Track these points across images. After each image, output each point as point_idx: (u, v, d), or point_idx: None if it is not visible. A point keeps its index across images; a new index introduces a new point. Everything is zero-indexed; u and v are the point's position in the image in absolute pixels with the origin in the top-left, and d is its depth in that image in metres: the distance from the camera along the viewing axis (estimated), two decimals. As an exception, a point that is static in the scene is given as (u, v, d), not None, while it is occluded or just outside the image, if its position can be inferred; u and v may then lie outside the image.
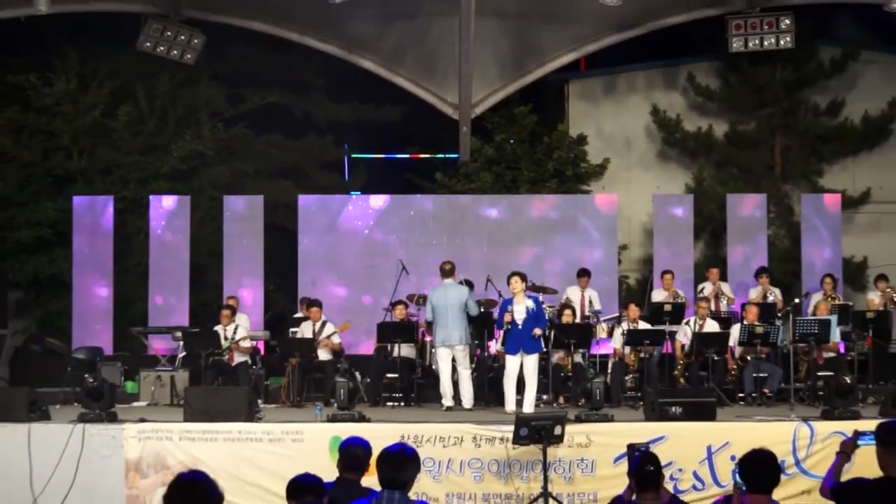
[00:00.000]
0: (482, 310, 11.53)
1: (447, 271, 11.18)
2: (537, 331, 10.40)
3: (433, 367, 11.88)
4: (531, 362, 10.37)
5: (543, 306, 12.18)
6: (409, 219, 14.48)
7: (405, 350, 11.60)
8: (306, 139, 17.25)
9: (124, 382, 12.49)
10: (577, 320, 12.04)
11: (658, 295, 13.05)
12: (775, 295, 13.03)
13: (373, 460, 5.18)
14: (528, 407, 10.27)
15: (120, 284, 14.53)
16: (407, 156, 18.69)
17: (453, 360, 10.97)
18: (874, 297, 13.15)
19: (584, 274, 12.93)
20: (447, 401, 10.85)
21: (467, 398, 10.84)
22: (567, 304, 12.07)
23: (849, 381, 9.73)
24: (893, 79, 16.48)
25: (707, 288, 13.07)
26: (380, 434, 8.57)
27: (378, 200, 14.68)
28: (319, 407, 10.01)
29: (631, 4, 12.55)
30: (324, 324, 11.97)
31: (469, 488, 9.19)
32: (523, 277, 10.67)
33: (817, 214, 14.69)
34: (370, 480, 5.22)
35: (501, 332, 10.72)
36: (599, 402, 9.57)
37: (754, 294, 13.06)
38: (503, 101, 15.93)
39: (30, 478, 9.14)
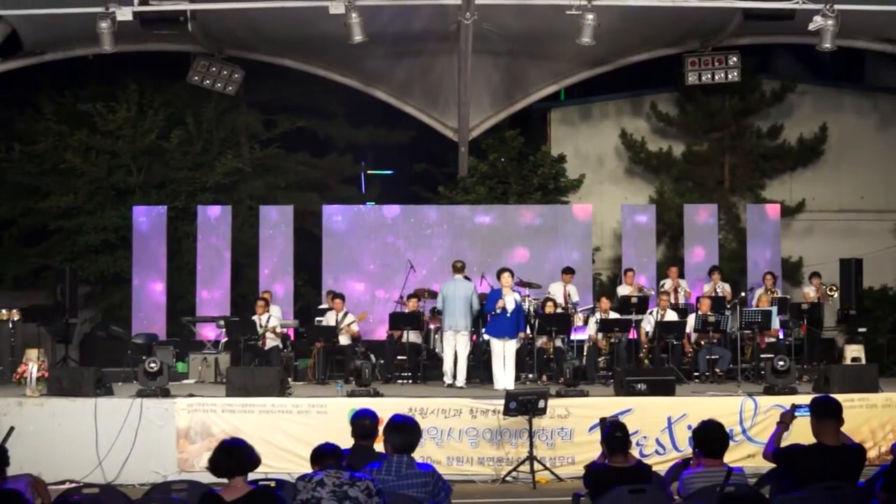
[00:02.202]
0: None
1: (458, 268, 11.13)
2: (522, 335, 10.45)
3: (436, 350, 11.88)
4: (512, 346, 10.41)
5: (528, 299, 12.22)
6: (416, 225, 14.45)
7: (412, 336, 11.59)
8: (329, 158, 17.24)
9: (176, 363, 12.47)
10: (559, 311, 12.03)
11: (622, 289, 13.02)
12: (724, 289, 13.03)
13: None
14: (509, 383, 10.27)
15: (172, 280, 14.51)
16: (414, 172, 18.69)
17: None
18: (809, 291, 13.13)
19: (568, 271, 12.91)
20: (448, 378, 10.84)
21: (461, 377, 10.81)
22: (549, 298, 12.05)
23: (784, 364, 9.71)
24: (824, 107, 16.45)
25: (667, 283, 13.07)
26: (392, 407, 8.61)
27: (390, 210, 14.65)
28: (340, 384, 10.02)
29: (603, 44, 12.53)
30: (345, 314, 11.97)
31: (467, 453, 9.20)
32: (512, 274, 10.67)
33: (760, 221, 14.66)
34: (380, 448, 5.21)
35: (489, 315, 10.69)
36: (571, 380, 9.58)
37: (707, 288, 13.04)
38: (495, 125, 15.94)
39: (96, 445, 9.16)
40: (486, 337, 11.64)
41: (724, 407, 9.25)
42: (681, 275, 13.60)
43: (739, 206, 16.04)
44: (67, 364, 12.17)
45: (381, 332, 13.02)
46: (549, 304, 11.74)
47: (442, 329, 11.22)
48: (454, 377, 10.84)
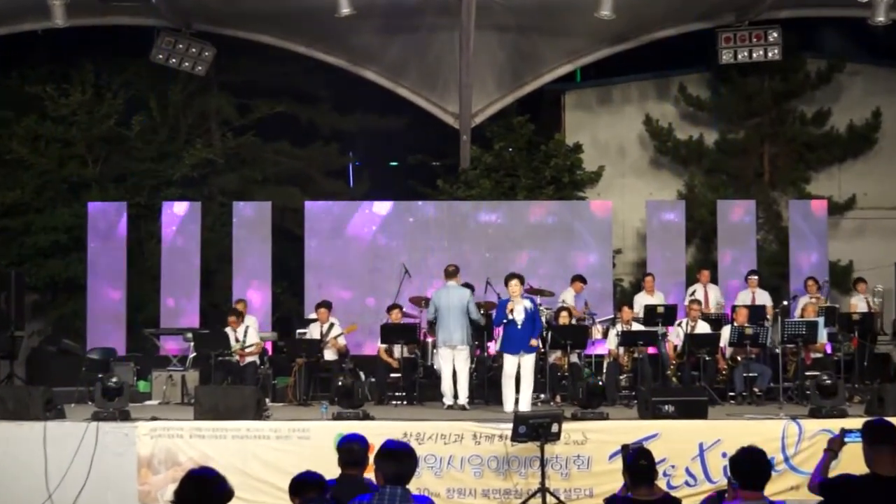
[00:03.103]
0: (482, 312, 11.47)
1: (450, 273, 11.12)
2: (534, 342, 10.43)
3: (434, 366, 11.85)
4: (529, 362, 10.34)
5: (540, 308, 12.19)
6: (412, 224, 14.44)
7: (407, 350, 11.57)
8: (312, 147, 17.24)
9: (137, 382, 12.46)
10: (574, 321, 12.01)
11: (640, 298, 12.98)
12: (764, 297, 12.98)
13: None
14: (525, 405, 10.24)
15: (132, 287, 14.49)
16: (409, 163, 18.67)
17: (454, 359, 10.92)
18: (857, 302, 13.10)
19: (578, 280, 12.84)
20: (448, 399, 10.82)
21: (463, 396, 10.79)
22: (564, 307, 12.04)
23: (831, 381, 9.69)
24: (877, 89, 16.46)
25: (698, 290, 13.01)
26: (384, 431, 8.55)
27: (381, 206, 14.64)
28: (325, 405, 9.98)
29: (624, 18, 12.54)
30: (331, 326, 11.94)
31: (469, 484, 9.16)
32: (521, 280, 10.63)
33: (804, 220, 14.65)
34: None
35: (500, 330, 10.67)
36: (588, 401, 9.56)
37: (743, 296, 13.01)
38: (501, 111, 15.93)
39: (45, 474, 9.11)
40: (493, 351, 11.64)
41: (763, 432, 9.22)
42: (713, 280, 13.59)
43: (781, 202, 16.04)
44: (13, 383, 12.14)
45: (371, 347, 13.01)
46: (564, 314, 11.73)
47: (436, 345, 11.20)
48: (455, 398, 10.82)
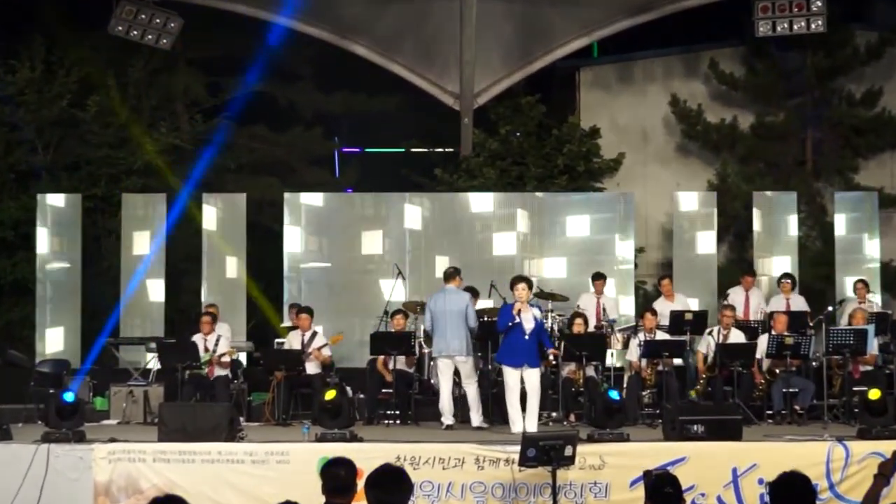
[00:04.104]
0: (485, 319, 11.49)
1: (449, 275, 11.10)
2: (553, 352, 10.43)
3: (432, 381, 11.85)
4: (533, 377, 10.30)
5: (553, 315, 12.19)
6: (406, 219, 14.43)
7: (401, 363, 11.57)
8: (293, 132, 17.25)
9: (93, 398, 12.44)
10: (591, 330, 12.01)
11: (659, 304, 12.96)
12: (800, 304, 12.96)
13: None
14: (532, 425, 10.23)
15: (89, 291, 14.48)
16: (403, 150, 18.66)
17: (456, 373, 10.90)
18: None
19: (599, 277, 12.89)
20: (447, 418, 10.80)
21: (477, 416, 10.73)
22: (578, 313, 12.04)
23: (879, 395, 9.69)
24: (935, 66, 16.49)
25: (733, 294, 12.96)
26: (374, 455, 8.54)
27: (372, 199, 14.63)
28: (307, 425, 9.98)
29: (648, -16, 12.56)
30: (314, 334, 11.93)
31: (471, 514, 9.17)
32: (530, 284, 10.62)
33: (852, 214, 14.65)
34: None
35: (501, 336, 10.66)
36: (606, 420, 9.55)
37: (776, 303, 12.97)
38: (508, 90, 15.93)
39: (-11, 503, 9.12)
40: (491, 365, 11.64)
41: (805, 455, 9.21)
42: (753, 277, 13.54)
43: (825, 194, 16.05)
44: (-49, 400, 12.13)
45: (360, 358, 13.01)
46: (579, 321, 11.73)
47: (432, 356, 11.20)
48: (456, 417, 10.81)
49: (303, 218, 14.38)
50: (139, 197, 14.62)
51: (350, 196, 15.59)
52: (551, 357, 11.00)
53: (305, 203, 14.49)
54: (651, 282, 16.10)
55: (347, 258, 14.38)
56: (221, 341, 11.83)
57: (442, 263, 13.49)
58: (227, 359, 11.79)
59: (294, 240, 14.32)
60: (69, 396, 9.72)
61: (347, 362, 13.10)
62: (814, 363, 11.71)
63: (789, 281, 13.12)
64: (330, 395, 9.60)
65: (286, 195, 14.53)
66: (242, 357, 13.02)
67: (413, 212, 14.46)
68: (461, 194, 15.02)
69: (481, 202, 14.59)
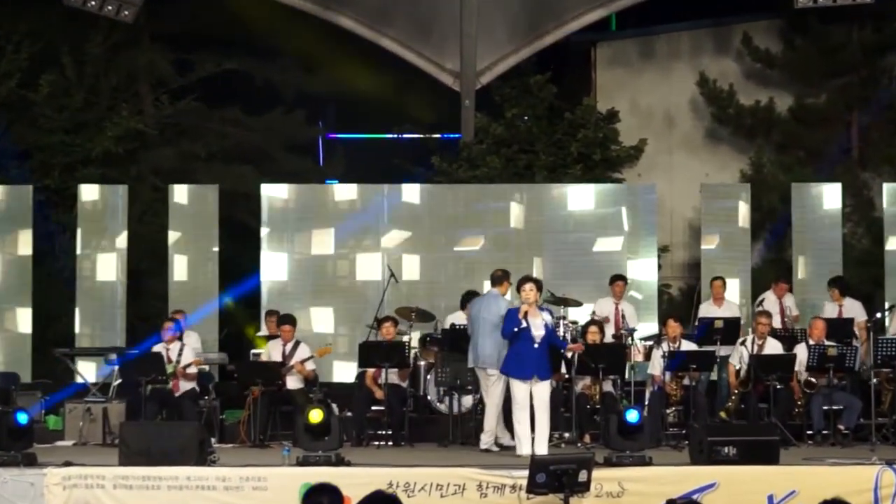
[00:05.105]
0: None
1: (496, 279, 11.00)
2: (573, 348, 10.55)
3: (429, 397, 11.85)
4: (543, 391, 10.29)
5: (566, 322, 12.19)
6: (399, 214, 14.43)
7: (393, 376, 11.58)
8: (271, 115, 17.24)
9: (46, 417, 12.42)
10: (608, 339, 12.02)
11: (707, 309, 12.98)
12: (854, 309, 12.95)
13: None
14: (542, 446, 10.24)
15: (41, 295, 14.49)
16: (396, 136, 18.66)
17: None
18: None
19: (619, 279, 12.88)
20: (484, 439, 10.67)
21: (487, 439, 10.66)
22: (593, 320, 12.04)
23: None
24: None
25: (769, 300, 12.97)
26: (363, 480, 8.57)
27: (360, 191, 14.62)
28: (287, 447, 9.98)
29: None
30: (296, 345, 11.92)
31: (473, 547, 9.18)
32: (539, 286, 10.61)
33: (905, 208, 14.67)
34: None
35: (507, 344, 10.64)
36: (626, 441, 9.56)
37: (829, 310, 12.93)
38: (515, 68, 15.94)
39: (-73, 535, 9.12)
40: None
41: (851, 480, 9.22)
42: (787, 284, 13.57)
43: (873, 185, 16.04)
44: None
45: (346, 372, 13.02)
46: (593, 329, 11.74)
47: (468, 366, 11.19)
48: (456, 437, 10.85)
49: (282, 211, 14.38)
50: (97, 188, 14.60)
51: (335, 187, 15.53)
52: (568, 353, 10.96)
53: (286, 196, 14.51)
54: (676, 284, 16.11)
55: (333, 257, 14.36)
56: (186, 350, 11.82)
57: (438, 262, 13.56)
58: (193, 370, 11.78)
59: (273, 236, 14.30)
60: (23, 418, 9.69)
61: (333, 376, 13.12)
62: (862, 376, 11.71)
63: (837, 290, 13.01)
64: (316, 415, 9.56)
65: (263, 186, 14.56)
66: (214, 370, 13.01)
67: (408, 205, 14.46)
68: (462, 186, 15.01)
69: (485, 194, 14.61)
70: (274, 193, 14.45)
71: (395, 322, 12.12)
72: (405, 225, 14.33)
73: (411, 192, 14.56)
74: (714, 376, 11.98)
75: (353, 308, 14.07)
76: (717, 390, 12.05)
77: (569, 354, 11.15)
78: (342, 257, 14.35)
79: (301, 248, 14.31)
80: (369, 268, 14.14)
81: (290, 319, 12.10)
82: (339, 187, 15.25)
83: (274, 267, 14.24)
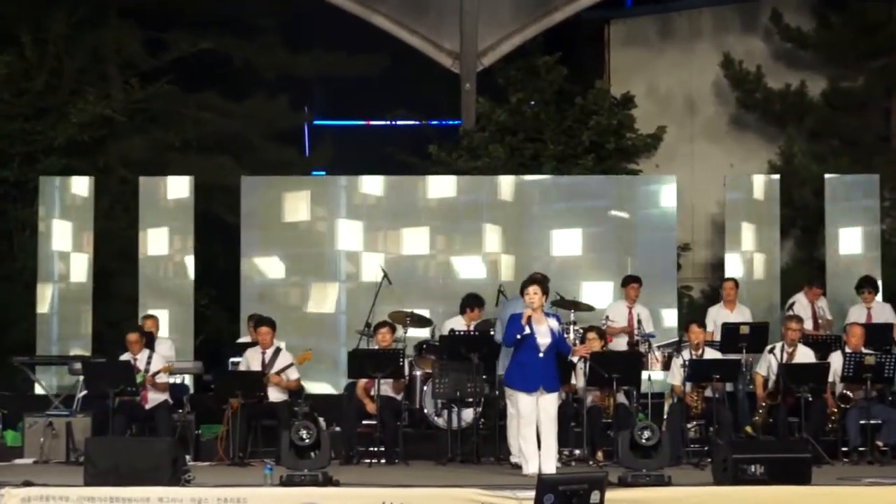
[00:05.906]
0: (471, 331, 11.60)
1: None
2: (580, 350, 10.54)
3: (425, 410, 11.86)
4: (550, 404, 10.28)
5: (576, 328, 12.19)
6: (393, 208, 14.45)
7: (387, 387, 11.60)
8: (252, 100, 17.24)
9: (4, 432, 12.43)
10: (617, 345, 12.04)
11: (717, 313, 12.96)
12: (886, 313, 12.97)
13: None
14: (550, 465, 10.25)
15: (-2, 297, 14.55)
16: (389, 122, 18.67)
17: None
18: None
19: (632, 281, 12.89)
20: (516, 455, 10.67)
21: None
22: (593, 326, 12.01)
23: None
24: None
25: (799, 304, 12.99)
26: (352, 501, 8.60)
27: (350, 183, 14.64)
28: (270, 465, 9.99)
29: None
30: (277, 352, 11.94)
31: (474, 575, 9.19)
32: (545, 287, 10.60)
33: (948, 203, 14.71)
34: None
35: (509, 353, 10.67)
36: (642, 459, 9.58)
37: (856, 313, 12.96)
38: (520, 48, 15.94)
39: None
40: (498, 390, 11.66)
41: (890, 502, 9.24)
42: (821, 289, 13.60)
43: (915, 177, 16.08)
44: None
45: (333, 382, 13.02)
46: (591, 335, 11.71)
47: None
48: (455, 454, 10.88)
49: (264, 206, 14.41)
50: (60, 180, 14.60)
51: (323, 178, 15.54)
52: (573, 357, 10.95)
53: (268, 189, 14.55)
54: (698, 287, 16.12)
55: (319, 256, 14.39)
56: (155, 359, 11.80)
57: (437, 262, 13.55)
58: (163, 378, 11.76)
59: (253, 232, 14.32)
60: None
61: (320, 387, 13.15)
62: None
63: (870, 291, 13.05)
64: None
65: (244, 178, 14.59)
66: (189, 381, 13.01)
67: (403, 199, 14.48)
68: (462, 178, 15.01)
69: (489, 187, 14.63)
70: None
71: (393, 328, 12.12)
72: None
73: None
74: (729, 387, 11.95)
75: (341, 308, 14.11)
76: (743, 403, 12.05)
77: (574, 359, 11.13)
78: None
79: (291, 245, 14.36)
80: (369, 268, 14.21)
81: (268, 322, 12.07)
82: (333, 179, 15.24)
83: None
